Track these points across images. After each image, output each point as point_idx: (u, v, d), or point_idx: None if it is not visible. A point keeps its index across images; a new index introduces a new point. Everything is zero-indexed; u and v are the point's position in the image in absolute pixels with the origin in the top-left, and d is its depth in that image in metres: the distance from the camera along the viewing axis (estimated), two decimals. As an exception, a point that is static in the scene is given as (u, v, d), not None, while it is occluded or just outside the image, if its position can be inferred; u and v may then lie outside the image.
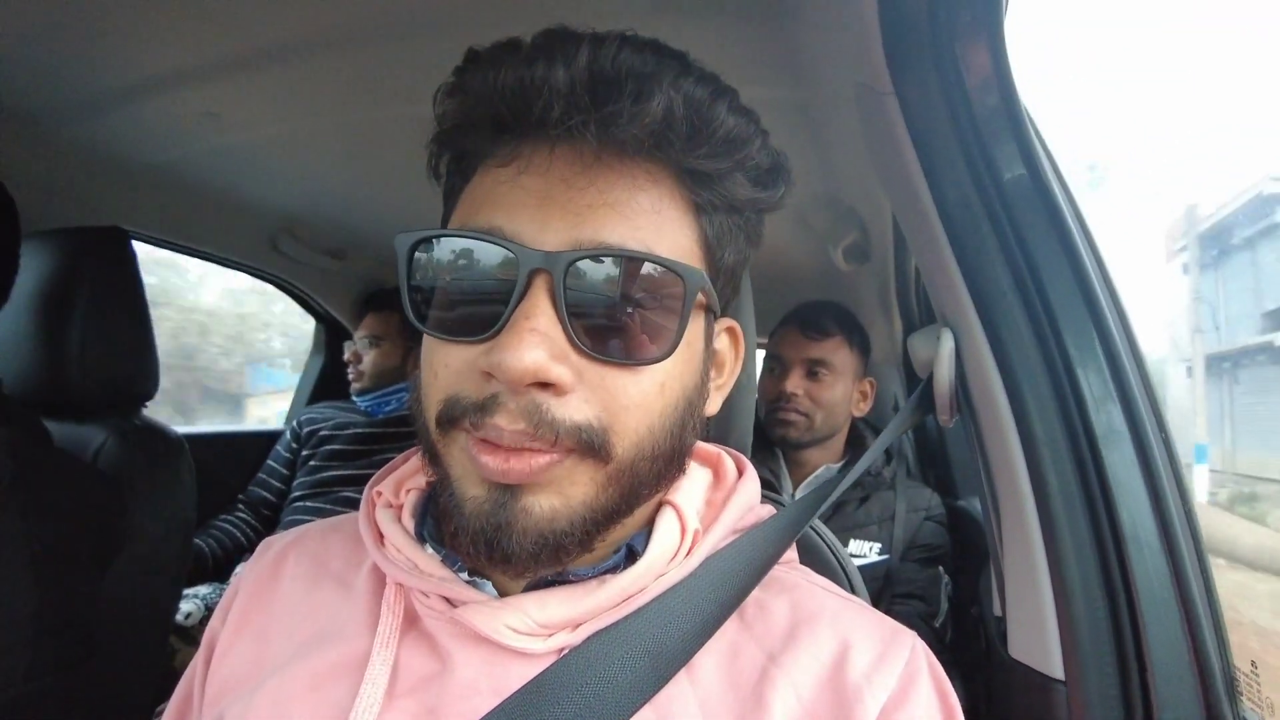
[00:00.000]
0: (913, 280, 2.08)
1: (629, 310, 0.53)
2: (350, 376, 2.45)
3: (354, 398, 2.45)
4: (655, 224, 0.55)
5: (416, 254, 0.56)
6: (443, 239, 0.56)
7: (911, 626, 1.66)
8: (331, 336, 2.81)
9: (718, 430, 0.85)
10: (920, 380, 0.90)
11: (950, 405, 0.85)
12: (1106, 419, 0.74)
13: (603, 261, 0.53)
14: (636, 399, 0.54)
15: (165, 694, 0.72)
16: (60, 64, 1.22)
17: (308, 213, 2.08)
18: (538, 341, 0.50)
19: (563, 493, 0.54)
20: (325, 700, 0.58)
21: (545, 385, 0.51)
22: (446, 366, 0.55)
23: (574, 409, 0.52)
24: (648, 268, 0.54)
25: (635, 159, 0.55)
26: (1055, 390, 0.76)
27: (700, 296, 0.57)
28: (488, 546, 0.53)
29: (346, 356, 2.48)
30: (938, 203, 0.81)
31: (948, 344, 0.83)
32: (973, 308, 0.80)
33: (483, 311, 0.53)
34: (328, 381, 2.81)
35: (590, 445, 0.53)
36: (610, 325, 0.53)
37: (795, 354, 1.88)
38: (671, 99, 0.52)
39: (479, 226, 0.55)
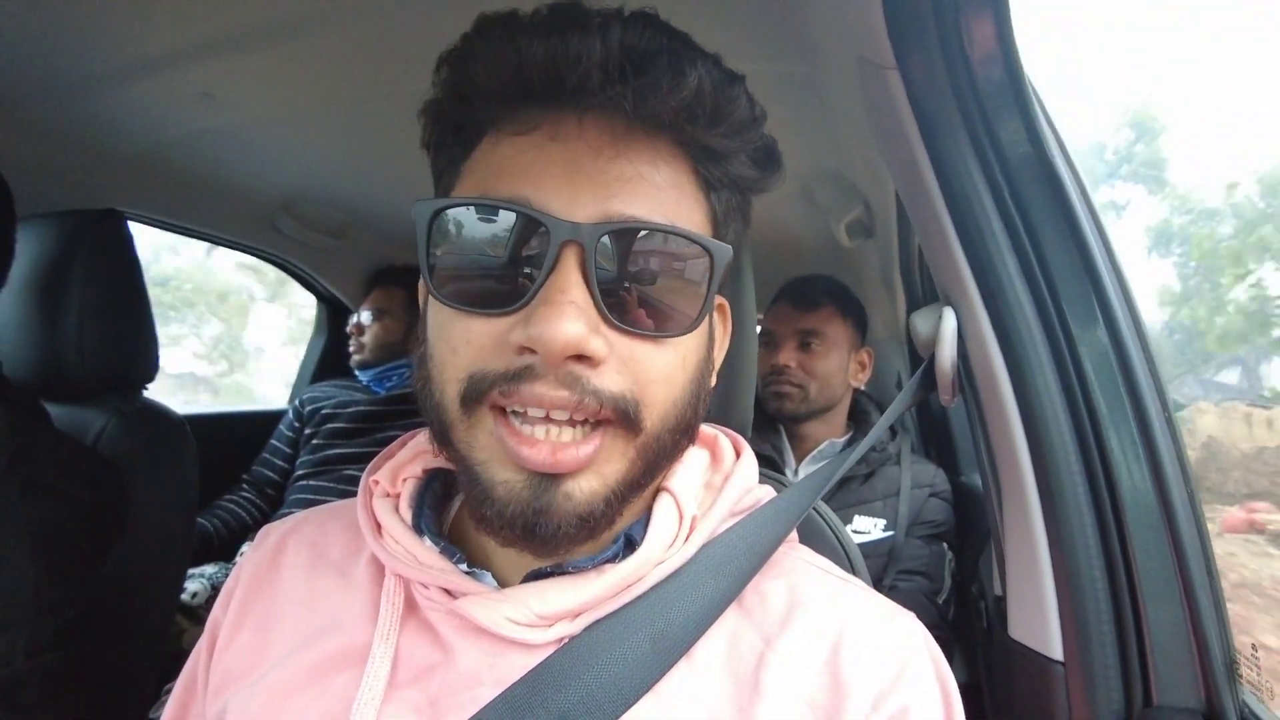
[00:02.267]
0: (916, 256, 2.07)
1: (657, 284, 0.54)
2: (351, 348, 2.44)
3: (355, 371, 2.45)
4: (675, 199, 0.56)
5: (436, 223, 0.55)
6: (465, 207, 0.55)
7: (915, 603, 1.68)
8: (333, 316, 2.81)
9: (718, 410, 0.85)
10: (923, 356, 0.90)
11: (952, 385, 0.84)
12: (1109, 399, 0.73)
13: (632, 235, 0.53)
14: (664, 372, 0.55)
15: (172, 673, 0.73)
16: (52, 45, 1.20)
17: (306, 192, 2.07)
18: (576, 314, 0.50)
19: (599, 472, 0.55)
20: (327, 691, 0.58)
21: (581, 358, 0.51)
22: (468, 341, 0.54)
23: (609, 380, 0.53)
24: (675, 242, 0.54)
25: (660, 134, 0.56)
26: (1058, 370, 0.75)
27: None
28: (526, 531, 0.53)
29: (349, 328, 2.47)
30: (940, 180, 0.80)
31: (950, 323, 0.82)
32: (975, 287, 0.79)
33: (509, 283, 0.53)
34: (330, 361, 2.80)
35: (626, 416, 0.53)
36: (639, 298, 0.54)
37: (787, 327, 1.88)
38: (702, 77, 0.53)
39: (503, 196, 0.54)
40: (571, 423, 0.53)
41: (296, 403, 2.43)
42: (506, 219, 0.53)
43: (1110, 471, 0.71)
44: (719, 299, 0.69)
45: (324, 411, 2.35)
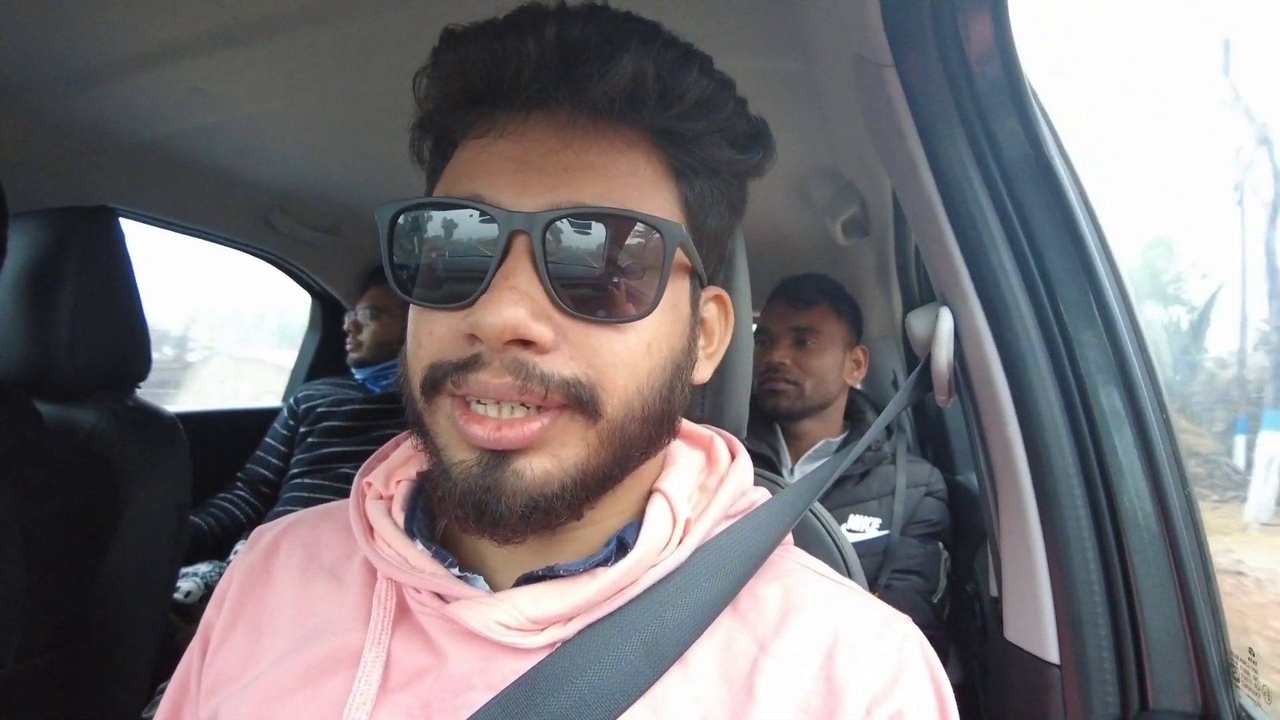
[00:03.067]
0: (913, 255, 2.07)
1: (609, 268, 0.54)
2: (348, 346, 2.43)
3: (352, 370, 2.44)
4: (634, 185, 0.56)
5: (398, 225, 0.56)
6: (424, 208, 0.56)
7: (910, 602, 1.68)
8: (328, 313, 2.80)
9: (713, 410, 0.84)
10: (919, 356, 0.89)
11: (948, 386, 0.83)
12: (1107, 401, 0.72)
13: (581, 221, 0.53)
14: (624, 357, 0.54)
15: (166, 672, 0.72)
16: (42, 41, 1.19)
17: (300, 189, 2.06)
18: (516, 299, 0.50)
19: (555, 454, 0.54)
20: (319, 695, 0.57)
21: (527, 344, 0.51)
22: (431, 335, 0.55)
23: (560, 365, 0.52)
24: (626, 225, 0.54)
25: (610, 123, 0.56)
26: (1055, 371, 0.74)
27: (682, 256, 0.57)
28: (476, 510, 0.53)
29: (346, 326, 2.46)
30: (937, 179, 0.79)
31: (946, 323, 0.82)
32: (972, 287, 0.78)
33: (466, 277, 0.53)
34: (324, 358, 2.79)
35: (580, 400, 0.53)
36: (592, 284, 0.53)
37: (782, 324, 1.89)
38: (641, 59, 0.53)
39: (459, 194, 0.55)
40: (523, 406, 0.53)
41: (291, 401, 2.42)
42: (462, 216, 0.54)
43: (1107, 473, 0.71)
44: (718, 290, 0.68)
45: (319, 409, 2.34)
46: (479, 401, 0.53)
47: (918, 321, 0.86)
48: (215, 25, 1.16)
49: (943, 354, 0.82)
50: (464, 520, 0.54)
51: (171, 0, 1.10)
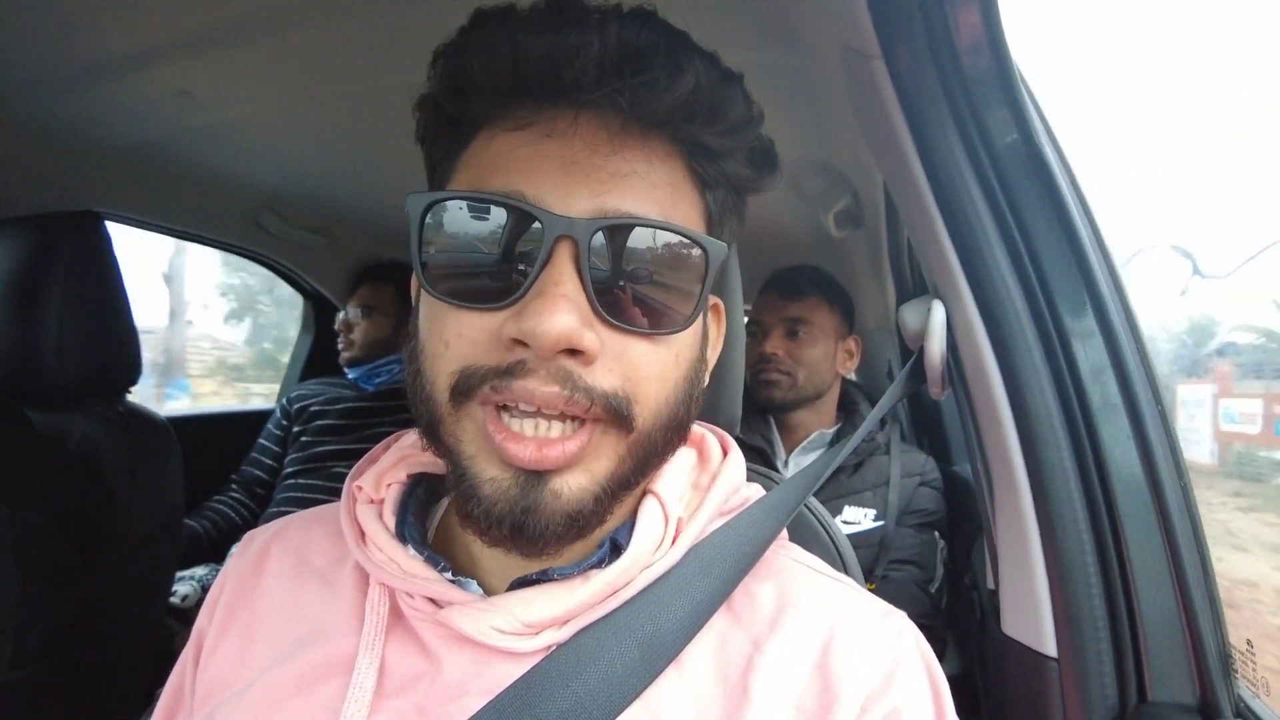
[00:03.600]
0: (905, 247, 2.06)
1: (650, 280, 0.53)
2: (340, 346, 2.43)
3: (344, 368, 2.43)
4: (671, 196, 0.56)
5: (429, 217, 0.54)
6: (459, 201, 0.54)
7: (907, 592, 1.68)
8: (320, 313, 2.79)
9: (707, 406, 0.83)
10: (912, 349, 0.89)
11: (942, 378, 0.83)
12: (1101, 392, 0.72)
13: (627, 231, 0.52)
14: (657, 369, 0.54)
15: (162, 677, 0.72)
16: (25, 44, 1.18)
17: (290, 190, 2.05)
18: (569, 307, 0.50)
19: (589, 470, 0.54)
20: (313, 701, 0.57)
21: (574, 353, 0.51)
22: (460, 335, 0.53)
23: (601, 377, 0.52)
24: (670, 238, 0.54)
25: (656, 132, 0.55)
26: (1049, 363, 0.74)
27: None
28: (514, 530, 0.52)
29: (337, 326, 2.45)
30: (928, 171, 0.79)
31: (939, 316, 0.81)
32: (964, 279, 0.78)
33: (502, 278, 0.52)
34: (317, 358, 2.79)
35: (618, 414, 0.53)
36: (632, 295, 0.53)
37: (773, 315, 1.88)
38: (699, 75, 0.53)
39: (497, 190, 0.53)
40: (561, 417, 0.52)
41: (284, 401, 2.41)
42: (500, 213, 0.53)
43: (1103, 464, 0.70)
44: (713, 298, 0.68)
45: (312, 409, 2.33)
46: (510, 412, 0.52)
47: (910, 314, 0.86)
48: (201, 26, 1.15)
49: (935, 347, 0.81)
50: (497, 539, 0.54)
51: (157, 2, 1.08)
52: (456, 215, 0.54)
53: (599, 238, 0.51)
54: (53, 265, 1.26)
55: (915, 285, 2.08)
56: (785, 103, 1.34)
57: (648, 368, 0.54)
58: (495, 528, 0.53)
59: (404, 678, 0.57)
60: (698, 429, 0.71)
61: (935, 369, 0.82)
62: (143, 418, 1.43)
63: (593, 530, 0.56)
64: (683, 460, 0.67)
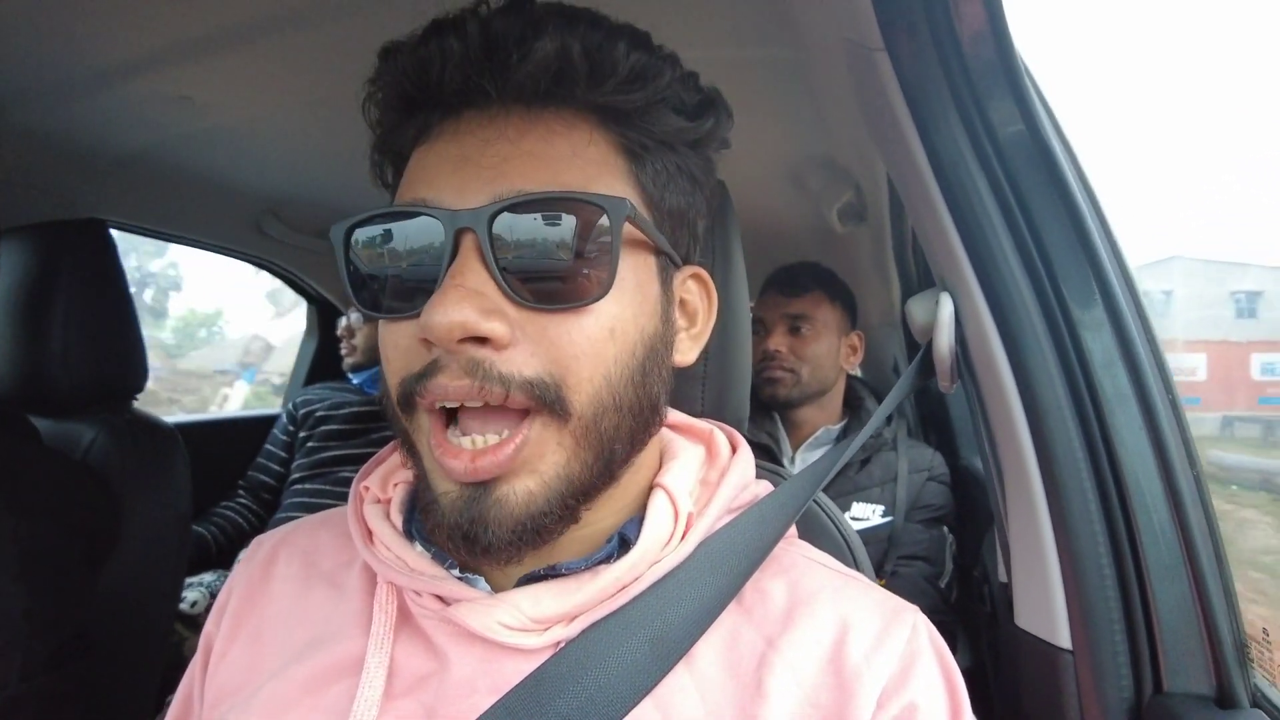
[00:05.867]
0: (909, 241, 2.06)
1: (560, 254, 0.53)
2: (343, 351, 2.43)
3: (348, 374, 2.44)
4: (578, 167, 0.55)
5: (352, 241, 0.56)
6: (374, 221, 0.56)
7: (917, 588, 1.68)
8: (324, 318, 2.79)
9: (712, 404, 0.83)
10: (920, 343, 0.88)
11: (950, 371, 0.83)
12: (1112, 382, 0.71)
13: (523, 209, 0.52)
14: (584, 347, 0.53)
15: (173, 683, 0.72)
16: (24, 51, 1.18)
17: (292, 194, 2.04)
18: (463, 297, 0.50)
19: (536, 470, 0.53)
20: (322, 703, 0.57)
21: (483, 342, 0.51)
22: (396, 347, 0.55)
23: (521, 363, 0.52)
24: (570, 207, 0.53)
25: (545, 107, 0.56)
26: (1059, 354, 0.73)
27: (635, 232, 0.56)
28: (466, 541, 0.53)
29: (339, 331, 2.45)
30: (932, 163, 0.78)
31: (947, 309, 0.81)
32: (971, 271, 0.77)
33: (420, 285, 0.53)
34: (322, 363, 2.79)
35: (544, 400, 0.52)
36: (545, 273, 0.53)
37: (775, 313, 1.89)
38: (564, 39, 0.53)
39: (404, 202, 0.56)
40: (491, 413, 0.53)
41: (290, 406, 2.42)
42: (410, 223, 0.54)
43: (1115, 456, 0.70)
44: (695, 269, 0.67)
45: (318, 414, 2.34)
46: (455, 431, 0.53)
47: (917, 308, 0.85)
48: (202, 31, 1.15)
49: (944, 340, 0.81)
50: (456, 550, 0.55)
51: (156, 7, 1.08)
52: (374, 234, 0.56)
53: (502, 222, 0.51)
54: (58, 274, 1.27)
55: (920, 280, 2.08)
56: (786, 98, 1.33)
57: (573, 345, 0.53)
58: (449, 540, 0.54)
59: (412, 677, 0.57)
60: (705, 425, 0.71)
61: (944, 362, 0.82)
62: (150, 425, 1.43)
63: (559, 532, 0.55)
64: (691, 456, 0.66)
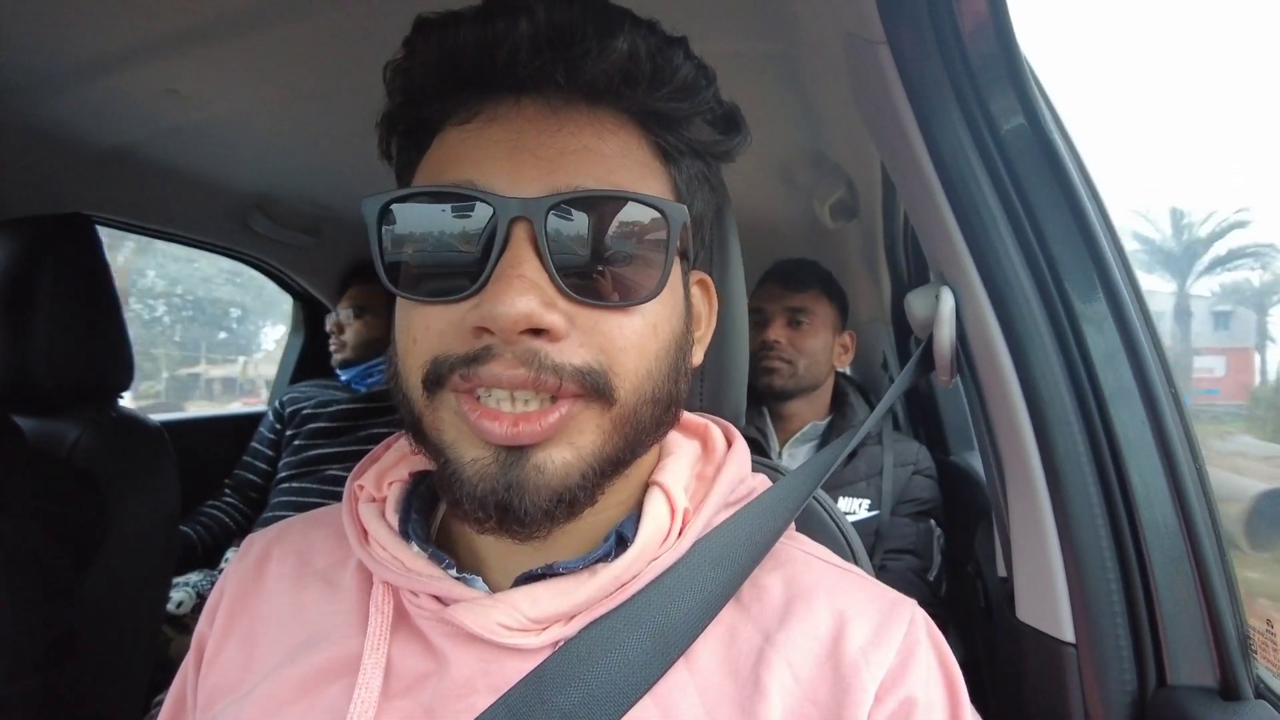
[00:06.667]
0: (901, 237, 2.07)
1: (613, 252, 0.53)
2: (332, 348, 2.41)
3: (336, 370, 2.41)
4: (628, 166, 0.55)
5: (386, 217, 0.55)
6: (415, 200, 0.54)
7: (906, 581, 1.69)
8: (310, 314, 2.77)
9: (710, 398, 0.83)
10: (908, 338, 0.88)
11: (951, 366, 0.83)
12: (1115, 376, 0.71)
13: (582, 205, 0.52)
14: (632, 340, 0.54)
15: (160, 684, 0.71)
16: (7, 44, 1.16)
17: (279, 189, 2.03)
18: (526, 288, 0.49)
19: (573, 444, 0.53)
20: (318, 704, 0.56)
21: (539, 333, 0.50)
22: (428, 329, 0.54)
23: (571, 353, 0.51)
24: (629, 208, 0.53)
25: (600, 105, 0.56)
26: (1061, 348, 0.73)
27: (681, 237, 0.57)
28: (499, 509, 0.52)
29: (329, 327, 2.43)
30: (933, 157, 0.78)
31: (948, 303, 0.81)
32: (973, 265, 0.77)
33: (463, 269, 0.52)
34: (308, 360, 2.77)
35: (595, 387, 0.52)
36: (597, 268, 0.53)
37: (776, 305, 1.92)
38: (635, 41, 0.53)
39: (449, 183, 0.54)
40: (538, 395, 0.52)
41: (276, 404, 2.40)
42: (455, 206, 0.53)
43: (1117, 450, 0.70)
44: (701, 275, 0.68)
45: (305, 412, 2.32)
46: (489, 394, 0.52)
47: (918, 302, 0.85)
48: (188, 24, 1.14)
49: (945, 334, 0.81)
50: (484, 521, 0.53)
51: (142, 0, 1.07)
52: (412, 213, 0.54)
53: (555, 215, 0.51)
54: (41, 269, 1.25)
55: (911, 276, 2.09)
56: (779, 95, 1.33)
57: (622, 339, 0.53)
58: (481, 509, 0.52)
59: (410, 677, 0.57)
60: (701, 420, 0.71)
61: (945, 356, 0.82)
62: (136, 423, 1.41)
63: (583, 509, 0.55)
64: (687, 451, 0.66)
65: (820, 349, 1.90)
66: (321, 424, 2.29)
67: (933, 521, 1.84)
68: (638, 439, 0.56)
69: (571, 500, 0.53)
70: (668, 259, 0.54)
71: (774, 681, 0.54)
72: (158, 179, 1.76)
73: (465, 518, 0.55)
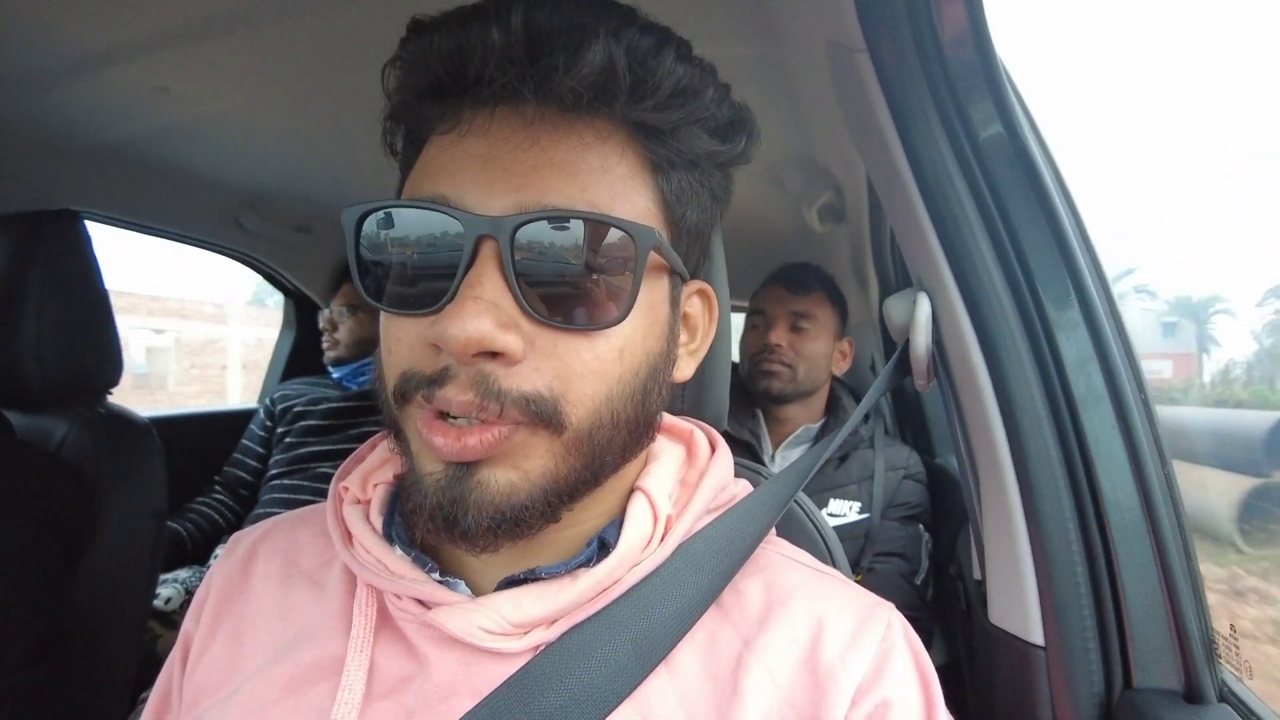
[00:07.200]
0: (888, 241, 2.08)
1: (580, 274, 0.51)
2: (325, 345, 2.40)
3: (329, 368, 2.41)
4: (606, 183, 0.53)
5: (364, 227, 0.54)
6: (389, 210, 0.54)
7: (893, 584, 1.69)
8: (302, 312, 2.76)
9: (692, 402, 0.83)
10: (897, 342, 0.89)
11: (927, 370, 0.84)
12: (1085, 382, 0.73)
13: (550, 223, 0.51)
14: (592, 366, 0.52)
15: (147, 681, 0.71)
16: None
17: (270, 187, 2.03)
18: (482, 310, 0.48)
19: (519, 466, 0.52)
20: (303, 704, 0.56)
21: (495, 355, 0.50)
22: (399, 341, 0.53)
23: (523, 379, 0.50)
24: (597, 228, 0.51)
25: (579, 116, 0.53)
26: (1034, 354, 0.74)
27: (656, 258, 0.55)
28: (445, 522, 0.51)
29: (321, 324, 2.42)
30: (912, 163, 0.79)
31: (924, 309, 0.82)
32: (949, 271, 0.78)
33: (432, 283, 0.52)
34: (300, 358, 2.76)
35: (539, 415, 0.51)
36: (562, 290, 0.51)
37: (779, 308, 1.91)
38: (611, 49, 0.50)
39: (424, 195, 0.53)
40: (483, 425, 0.51)
41: (268, 401, 2.39)
42: (427, 218, 0.52)
43: (1088, 454, 0.71)
44: (701, 285, 0.66)
45: (296, 409, 2.31)
46: (450, 415, 0.52)
47: (895, 307, 0.86)
48: (179, 21, 1.13)
49: (921, 339, 0.82)
50: (435, 533, 0.53)
51: None
52: (388, 224, 0.54)
53: (524, 233, 0.50)
54: (30, 265, 1.25)
55: (898, 280, 2.10)
56: (766, 98, 1.34)
57: (580, 364, 0.52)
58: (430, 521, 0.52)
59: (393, 680, 0.57)
60: (685, 425, 0.71)
61: (921, 361, 0.83)
62: (125, 419, 1.41)
63: (540, 528, 0.54)
64: (671, 457, 0.66)
65: (820, 354, 1.90)
66: (312, 421, 2.28)
67: (921, 526, 1.84)
68: (599, 460, 0.55)
69: (516, 520, 0.52)
70: (635, 283, 0.53)
71: (752, 686, 0.54)
72: (148, 176, 1.75)
73: (422, 529, 0.55)
